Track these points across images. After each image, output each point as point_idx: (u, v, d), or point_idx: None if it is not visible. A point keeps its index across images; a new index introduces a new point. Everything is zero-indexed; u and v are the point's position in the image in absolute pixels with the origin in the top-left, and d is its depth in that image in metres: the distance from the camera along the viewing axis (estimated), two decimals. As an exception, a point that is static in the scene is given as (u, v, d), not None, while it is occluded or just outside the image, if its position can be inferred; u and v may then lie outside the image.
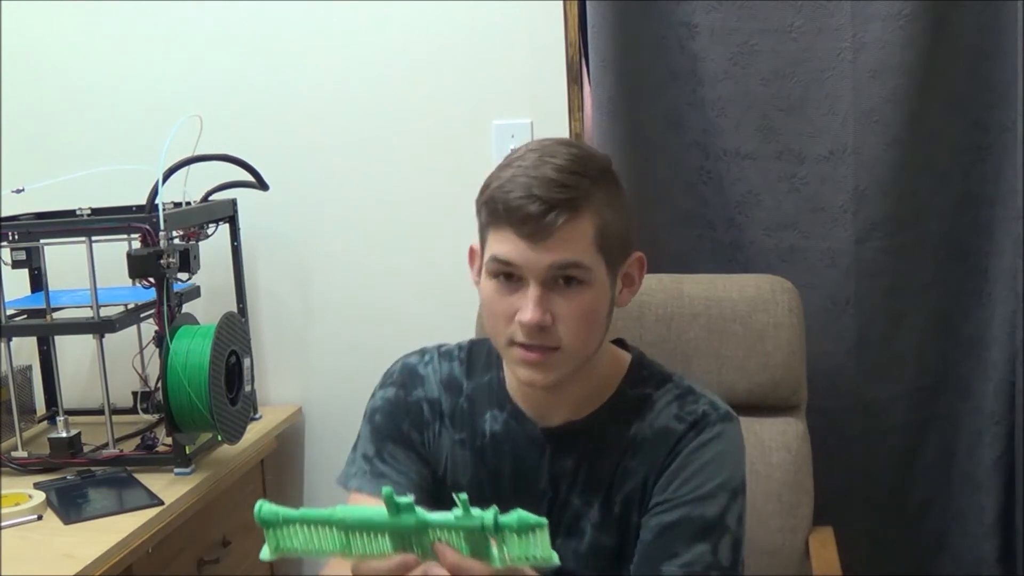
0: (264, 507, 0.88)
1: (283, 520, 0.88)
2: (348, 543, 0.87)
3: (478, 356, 1.23)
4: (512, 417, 1.18)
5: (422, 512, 0.87)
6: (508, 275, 1.07)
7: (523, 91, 1.87)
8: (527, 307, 1.05)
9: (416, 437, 1.20)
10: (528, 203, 1.03)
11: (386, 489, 0.86)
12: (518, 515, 0.84)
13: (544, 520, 0.85)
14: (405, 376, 1.23)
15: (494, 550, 0.87)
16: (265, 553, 0.89)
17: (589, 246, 1.07)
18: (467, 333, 1.48)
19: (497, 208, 1.06)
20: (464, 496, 0.86)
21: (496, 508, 0.86)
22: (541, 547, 0.85)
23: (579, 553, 1.16)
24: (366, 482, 1.18)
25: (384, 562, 0.88)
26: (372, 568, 0.89)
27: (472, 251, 1.17)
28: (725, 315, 1.60)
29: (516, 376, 1.12)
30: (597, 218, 1.07)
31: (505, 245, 1.06)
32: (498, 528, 0.85)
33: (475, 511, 0.86)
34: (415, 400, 1.22)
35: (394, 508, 0.86)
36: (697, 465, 1.11)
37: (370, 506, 0.88)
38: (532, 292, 1.05)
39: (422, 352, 1.26)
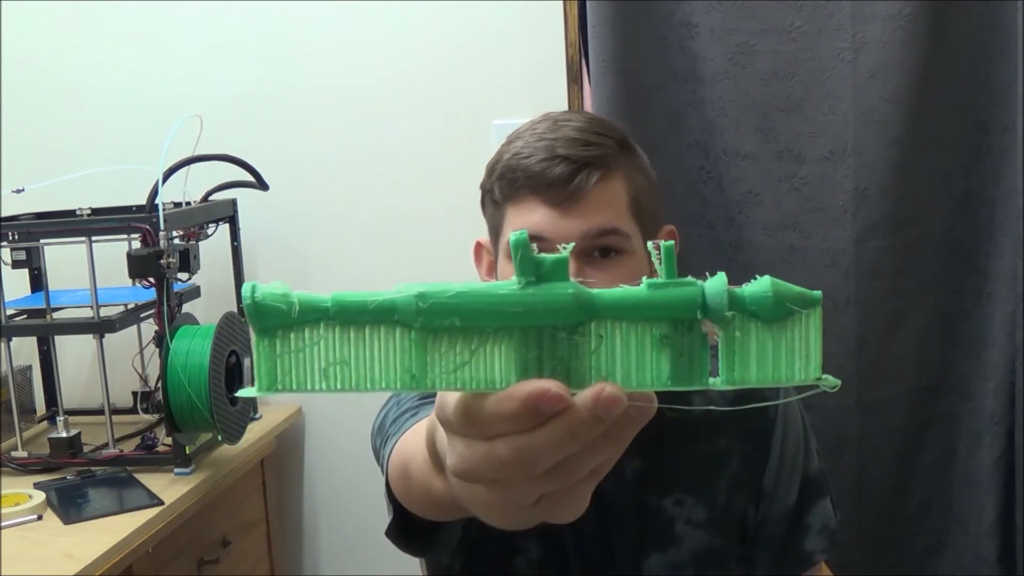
0: (260, 289, 0.43)
1: (300, 316, 0.43)
2: (425, 359, 0.42)
3: None
4: None
5: (578, 284, 0.43)
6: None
7: (523, 91, 1.87)
8: None
9: None
10: (553, 165, 0.91)
11: (516, 234, 0.42)
12: (770, 283, 0.44)
13: (819, 294, 0.44)
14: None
15: (711, 366, 0.44)
16: (253, 388, 0.43)
17: (625, 211, 0.94)
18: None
19: (516, 177, 0.93)
20: (669, 243, 0.44)
21: (722, 274, 0.44)
22: (810, 353, 0.44)
23: (679, 564, 1.00)
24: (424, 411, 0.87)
25: (509, 396, 0.41)
26: (489, 410, 0.42)
27: (479, 246, 1.05)
28: None
29: None
30: (628, 182, 0.95)
31: (531, 217, 0.92)
32: (733, 307, 0.43)
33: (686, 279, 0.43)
34: None
35: (530, 267, 0.42)
36: (790, 428, 1.04)
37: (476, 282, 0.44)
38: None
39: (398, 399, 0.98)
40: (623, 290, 0.43)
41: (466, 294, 0.42)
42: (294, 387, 0.42)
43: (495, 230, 0.99)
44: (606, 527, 0.99)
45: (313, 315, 0.43)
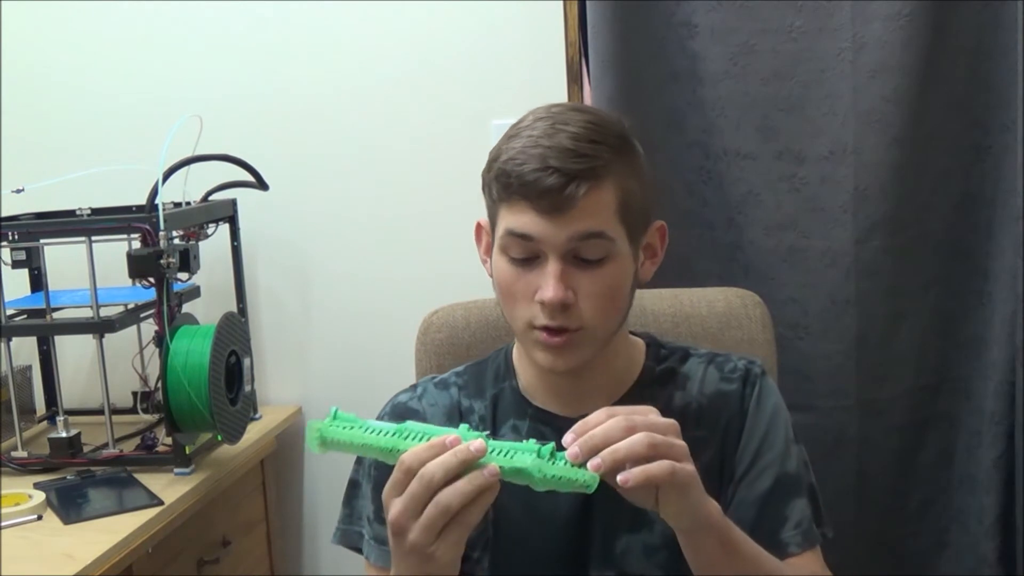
0: (325, 429, 0.97)
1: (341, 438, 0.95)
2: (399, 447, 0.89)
3: (481, 375, 1.15)
4: (537, 421, 1.09)
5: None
6: (524, 251, 1.00)
7: (523, 91, 1.87)
8: (547, 285, 0.97)
9: None
10: (545, 176, 0.96)
11: (463, 427, 0.88)
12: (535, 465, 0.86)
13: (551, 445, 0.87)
14: (397, 417, 1.10)
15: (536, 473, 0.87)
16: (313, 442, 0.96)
17: (611, 217, 0.99)
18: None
19: (510, 182, 0.98)
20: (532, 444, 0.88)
21: (552, 445, 0.88)
22: (578, 471, 0.86)
23: (651, 546, 1.05)
24: (381, 555, 1.10)
25: (431, 441, 0.86)
26: (416, 453, 0.85)
27: (479, 227, 1.10)
28: (695, 333, 1.42)
29: (536, 362, 1.03)
30: (618, 188, 1.00)
31: (521, 218, 0.98)
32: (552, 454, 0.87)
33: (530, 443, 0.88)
34: None
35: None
36: (765, 423, 1.08)
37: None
38: (552, 268, 0.98)
39: (413, 387, 1.17)
40: (507, 443, 0.88)
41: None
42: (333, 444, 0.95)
43: (491, 219, 1.06)
44: (584, 506, 1.04)
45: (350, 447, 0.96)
